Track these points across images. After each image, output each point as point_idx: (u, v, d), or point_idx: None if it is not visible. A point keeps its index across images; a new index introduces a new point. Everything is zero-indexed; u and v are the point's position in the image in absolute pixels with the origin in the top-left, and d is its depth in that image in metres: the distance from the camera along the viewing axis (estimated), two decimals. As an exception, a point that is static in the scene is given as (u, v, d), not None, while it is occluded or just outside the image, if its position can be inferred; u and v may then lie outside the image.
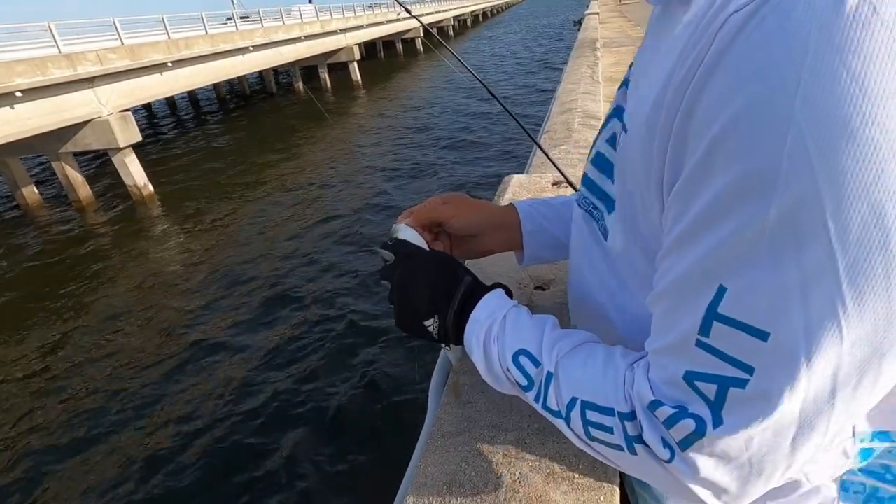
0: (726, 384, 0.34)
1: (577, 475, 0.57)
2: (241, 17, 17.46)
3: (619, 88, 0.51)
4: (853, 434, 0.43)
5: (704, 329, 0.34)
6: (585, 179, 0.55)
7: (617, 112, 0.49)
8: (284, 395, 5.01)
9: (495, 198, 1.33)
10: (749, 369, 0.32)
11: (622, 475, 0.61)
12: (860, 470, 0.45)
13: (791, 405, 0.32)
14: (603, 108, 2.57)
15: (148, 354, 5.85)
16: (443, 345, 0.60)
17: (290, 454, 4.34)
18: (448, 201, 0.68)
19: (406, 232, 0.63)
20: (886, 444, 0.44)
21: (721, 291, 0.32)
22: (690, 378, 0.36)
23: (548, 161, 1.20)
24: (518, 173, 1.54)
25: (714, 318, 0.33)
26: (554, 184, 1.39)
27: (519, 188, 1.38)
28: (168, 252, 8.51)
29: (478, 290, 0.56)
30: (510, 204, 0.72)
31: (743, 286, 0.31)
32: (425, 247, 0.62)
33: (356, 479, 4.05)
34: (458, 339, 0.56)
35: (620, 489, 0.58)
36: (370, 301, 6.44)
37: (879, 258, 0.28)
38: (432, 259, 0.59)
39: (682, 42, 0.34)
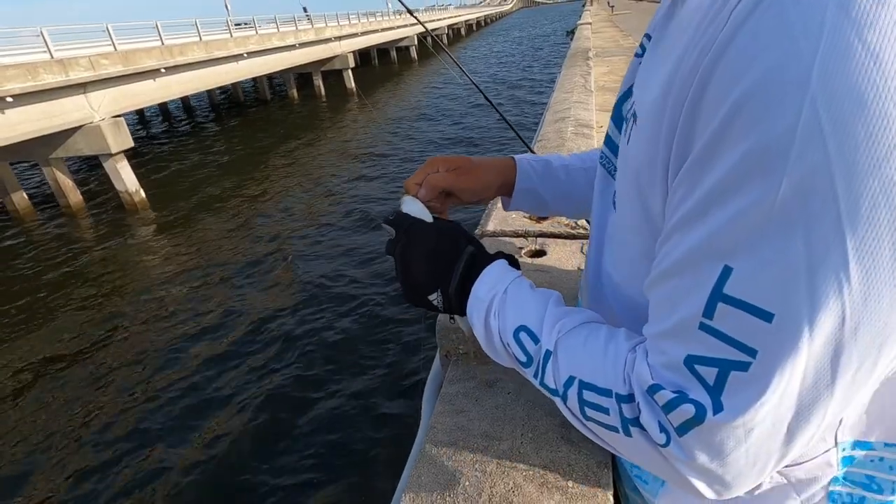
0: (728, 368, 0.33)
1: (570, 484, 0.57)
2: (236, 25, 17.38)
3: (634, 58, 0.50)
4: (836, 443, 0.43)
5: (708, 311, 0.33)
6: (606, 138, 0.54)
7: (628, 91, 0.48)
8: (276, 399, 4.95)
9: (490, 204, 1.33)
10: (752, 352, 0.32)
11: (615, 483, 0.61)
12: (844, 478, 0.45)
13: (791, 390, 0.31)
14: (595, 117, 2.59)
15: (135, 362, 5.77)
16: (450, 317, 0.59)
17: (282, 459, 4.29)
18: (458, 169, 0.67)
19: (409, 205, 0.62)
20: (866, 452, 0.44)
21: (727, 271, 0.32)
22: (691, 362, 0.35)
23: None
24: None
25: (719, 299, 0.32)
26: (547, 192, 1.39)
27: (512, 196, 1.38)
28: (159, 258, 8.43)
29: (480, 261, 0.55)
30: (511, 159, 0.72)
31: (750, 265, 0.31)
32: (429, 218, 0.61)
33: (351, 486, 4.00)
34: (464, 311, 0.55)
35: (614, 498, 0.58)
36: (368, 303, 6.41)
37: (888, 239, 0.27)
38: (433, 231, 0.58)
39: (695, 24, 0.34)
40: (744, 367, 0.32)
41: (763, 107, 0.28)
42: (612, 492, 0.58)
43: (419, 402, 0.78)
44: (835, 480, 0.45)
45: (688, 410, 0.35)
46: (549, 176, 0.72)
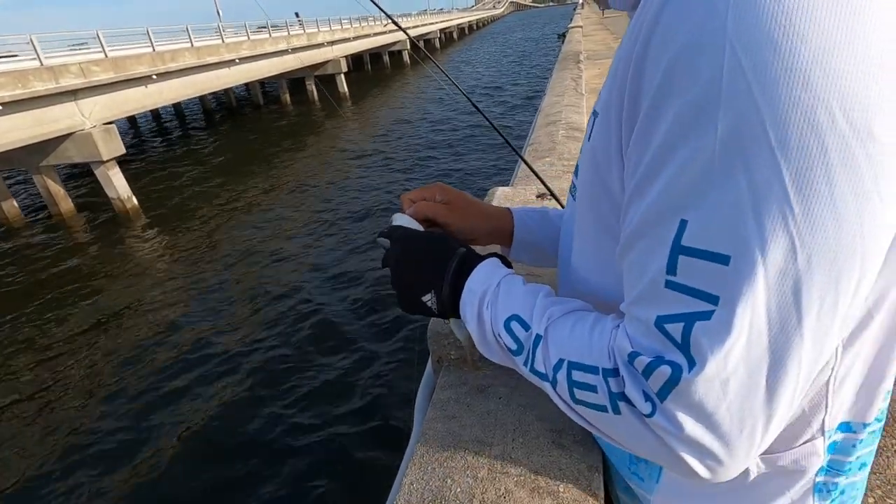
0: (693, 320, 0.33)
1: (561, 488, 0.57)
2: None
3: None
4: (823, 432, 0.44)
5: (671, 267, 0.34)
6: (576, 168, 0.56)
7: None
8: (270, 410, 4.93)
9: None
10: (714, 299, 0.32)
11: (606, 487, 0.62)
12: (830, 466, 0.46)
13: (757, 331, 0.32)
14: (586, 120, 2.61)
15: (126, 370, 5.72)
16: (444, 319, 0.59)
17: (272, 467, 4.26)
18: (450, 203, 0.68)
19: (401, 219, 0.64)
20: (846, 435, 0.45)
21: (683, 225, 0.33)
22: (661, 322, 0.35)
23: (532, 173, 1.21)
24: (504, 185, 1.55)
25: (679, 252, 0.33)
26: (538, 196, 1.40)
27: (504, 200, 1.39)
28: (151, 265, 8.38)
29: (472, 260, 0.56)
30: (507, 210, 0.73)
31: (702, 213, 0.32)
32: (419, 229, 0.63)
33: (344, 493, 3.99)
34: (457, 310, 0.56)
35: (605, 501, 0.58)
36: (363, 308, 6.40)
37: (819, 164, 0.29)
38: (424, 236, 0.60)
39: (633, 22, 0.37)
40: (707, 315, 0.33)
41: (690, 64, 0.31)
42: (603, 494, 0.58)
43: (412, 408, 0.78)
44: (820, 471, 0.46)
45: (664, 372, 0.35)
46: (548, 226, 0.73)
